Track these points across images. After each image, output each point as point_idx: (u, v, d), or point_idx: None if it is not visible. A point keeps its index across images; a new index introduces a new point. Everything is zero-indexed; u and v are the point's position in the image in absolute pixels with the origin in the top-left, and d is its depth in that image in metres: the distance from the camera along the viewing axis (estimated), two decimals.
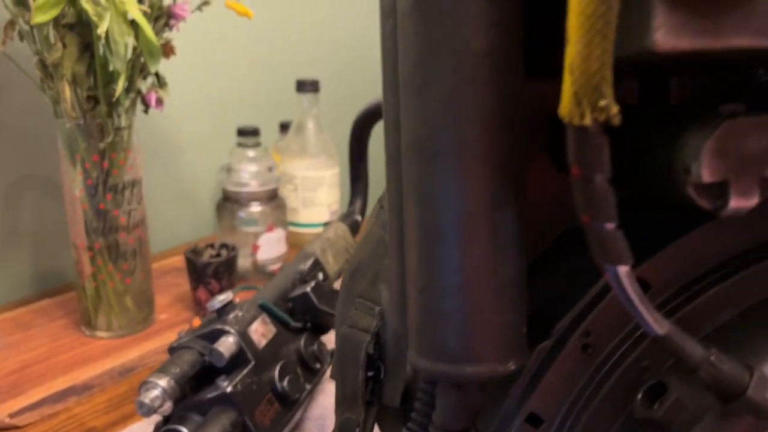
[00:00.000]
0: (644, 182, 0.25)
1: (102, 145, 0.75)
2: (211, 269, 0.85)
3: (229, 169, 0.97)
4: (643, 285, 0.29)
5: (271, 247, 0.96)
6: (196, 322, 0.66)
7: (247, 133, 1.00)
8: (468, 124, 0.25)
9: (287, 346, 0.65)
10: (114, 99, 0.73)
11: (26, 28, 0.71)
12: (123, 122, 0.76)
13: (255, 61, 1.21)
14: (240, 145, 1.00)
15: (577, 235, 0.30)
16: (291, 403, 0.63)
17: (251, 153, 0.99)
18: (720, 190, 0.23)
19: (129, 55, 0.71)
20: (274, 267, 0.97)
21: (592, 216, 0.21)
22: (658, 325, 0.22)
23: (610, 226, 0.21)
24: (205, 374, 0.60)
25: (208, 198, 1.14)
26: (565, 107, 0.19)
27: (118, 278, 0.81)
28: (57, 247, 0.94)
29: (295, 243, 1.08)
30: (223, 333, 0.60)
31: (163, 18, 0.77)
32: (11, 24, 0.70)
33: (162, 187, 1.08)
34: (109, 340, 0.82)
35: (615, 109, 0.19)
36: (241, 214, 0.96)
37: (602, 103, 0.19)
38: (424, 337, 0.27)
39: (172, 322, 0.86)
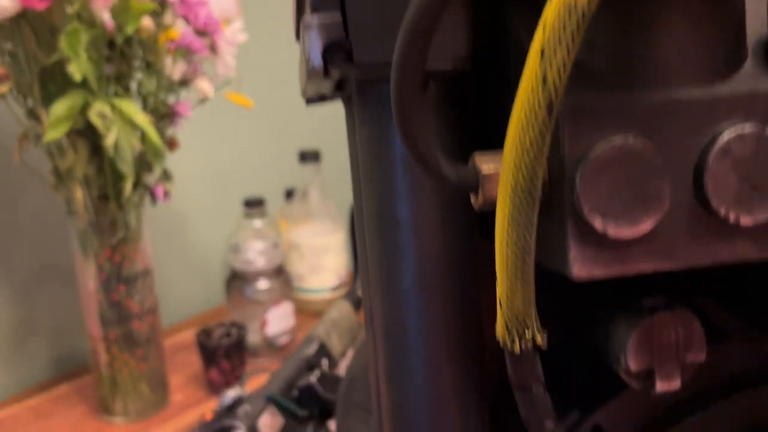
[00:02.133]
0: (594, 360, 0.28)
1: (114, 241, 0.79)
2: (221, 351, 0.88)
3: (236, 248, 1.01)
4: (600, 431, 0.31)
5: (279, 321, 0.99)
6: (208, 416, 0.69)
7: (253, 204, 1.03)
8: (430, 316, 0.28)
9: None
10: (123, 198, 0.77)
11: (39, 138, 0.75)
12: (132, 219, 0.80)
13: (258, 134, 1.26)
14: (246, 216, 1.04)
15: None
16: None
17: (258, 223, 1.03)
18: (646, 374, 0.25)
19: (135, 154, 0.75)
20: (284, 340, 1.00)
21: (531, 420, 0.24)
22: None
23: (550, 424, 0.24)
24: None
25: (218, 269, 1.17)
26: (499, 332, 0.23)
27: (133, 365, 0.84)
28: (74, 334, 0.98)
29: (303, 309, 1.11)
30: (233, 429, 0.63)
31: (167, 117, 0.81)
32: (25, 136, 0.75)
33: (172, 263, 1.12)
34: (127, 425, 0.85)
35: (539, 339, 0.22)
36: (249, 291, 0.99)
37: (528, 334, 0.22)
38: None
39: (186, 403, 0.89)
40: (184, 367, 0.97)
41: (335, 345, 0.79)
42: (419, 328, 0.28)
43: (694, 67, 0.23)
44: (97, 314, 0.82)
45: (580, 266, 0.23)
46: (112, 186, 0.78)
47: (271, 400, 0.68)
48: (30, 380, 0.96)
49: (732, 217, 0.22)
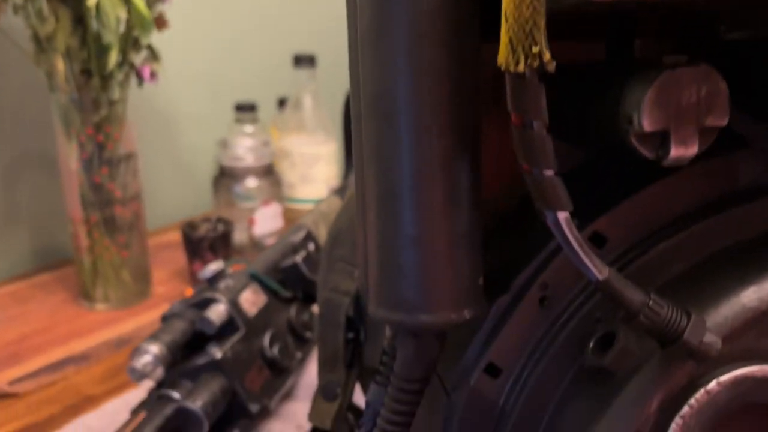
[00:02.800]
0: (594, 134, 0.26)
1: (96, 119, 0.76)
2: (206, 243, 0.86)
3: (225, 144, 0.98)
4: (600, 239, 0.29)
5: (267, 221, 0.97)
6: (189, 291, 0.67)
7: (245, 109, 1.00)
8: (421, 79, 0.25)
9: (278, 315, 0.67)
10: (107, 72, 0.74)
11: (19, 1, 0.72)
12: (116, 95, 0.76)
13: (252, 36, 1.21)
14: (238, 120, 1.01)
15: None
16: (281, 370, 0.64)
17: (249, 129, 1.00)
18: (661, 140, 0.23)
19: (122, 28, 0.72)
20: (271, 241, 0.98)
21: (531, 163, 0.21)
22: (598, 270, 0.23)
23: (549, 172, 0.21)
24: (196, 342, 0.61)
25: (207, 174, 1.15)
26: (502, 54, 0.20)
27: (114, 251, 0.82)
28: (56, 222, 0.95)
29: (292, 218, 1.09)
30: (213, 301, 0.61)
31: None
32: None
33: (160, 164, 1.09)
34: (107, 312, 0.83)
35: (548, 55, 0.19)
36: (238, 188, 0.97)
37: (535, 49, 0.19)
38: (381, 289, 0.28)
39: (169, 295, 0.87)
40: (168, 263, 0.95)
41: (322, 236, 0.77)
42: (411, 162, 0.26)
43: None
44: (78, 196, 0.79)
45: None
46: (95, 60, 0.74)
47: (255, 278, 0.66)
48: (10, 270, 0.94)
49: None
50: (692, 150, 0.23)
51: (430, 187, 0.26)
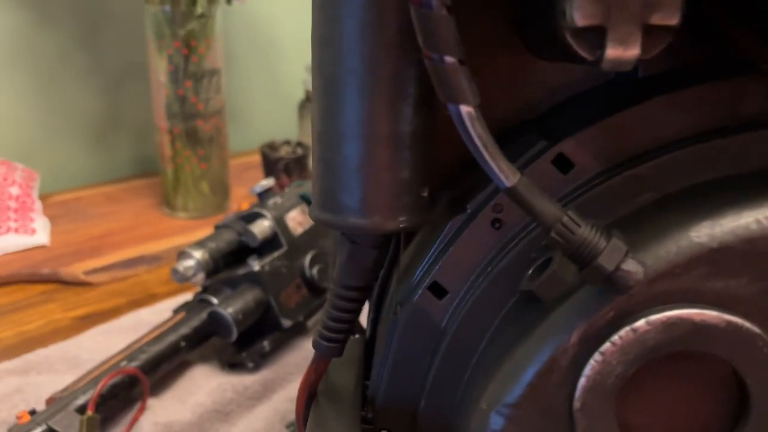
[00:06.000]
0: (544, 37, 0.23)
1: (182, 32, 0.79)
2: (282, 164, 0.88)
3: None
4: (566, 163, 0.27)
5: None
6: (245, 205, 0.69)
7: None
8: None
9: (324, 239, 0.67)
10: None
11: None
12: (200, 10, 0.78)
13: None
14: None
15: (529, 126, 0.29)
16: (320, 291, 0.65)
17: None
18: (598, 38, 0.20)
19: None
20: None
21: (430, 48, 0.19)
22: (504, 175, 0.21)
23: (450, 59, 0.19)
24: (243, 253, 0.63)
25: (295, 99, 1.16)
26: None
27: (194, 162, 0.85)
28: (152, 132, 1.01)
29: None
30: (259, 216, 0.63)
31: None
32: None
33: (250, 87, 1.11)
34: (185, 220, 0.87)
35: None
36: None
37: None
38: (319, 188, 0.27)
39: None
40: (251, 181, 0.98)
41: None
42: (357, 46, 0.24)
43: None
44: (164, 107, 0.83)
45: None
46: None
47: (305, 199, 0.66)
48: (110, 173, 1.01)
49: None
50: (633, 51, 0.20)
51: (373, 75, 0.24)
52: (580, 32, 0.20)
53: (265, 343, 0.60)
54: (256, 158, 1.06)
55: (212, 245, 0.61)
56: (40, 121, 0.94)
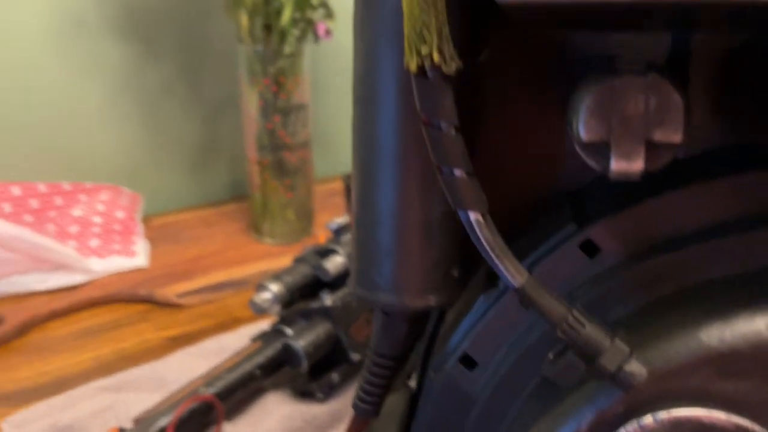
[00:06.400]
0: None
1: (273, 70, 0.83)
2: None
3: None
4: (593, 247, 0.28)
5: None
6: (322, 238, 0.72)
7: None
8: (401, 60, 0.25)
9: None
10: (283, 28, 0.80)
11: None
12: (288, 50, 0.82)
13: None
14: None
15: (564, 200, 0.30)
16: None
17: None
18: (605, 151, 0.21)
19: None
20: None
21: (441, 162, 0.21)
22: (511, 276, 0.22)
23: (459, 172, 0.21)
24: (316, 286, 0.66)
25: None
26: (406, 54, 0.20)
27: (281, 192, 0.90)
28: (245, 159, 1.06)
29: None
30: (333, 252, 0.66)
31: None
32: None
33: (337, 116, 1.15)
34: (272, 246, 0.92)
35: (436, 57, 0.19)
36: None
37: (425, 50, 0.19)
38: (355, 266, 0.29)
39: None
40: (334, 208, 1.02)
41: None
42: (389, 139, 0.26)
43: None
44: (255, 139, 0.88)
45: None
46: (275, 16, 0.81)
47: None
48: (206, 196, 1.07)
49: None
50: (637, 165, 0.21)
51: (405, 166, 0.26)
52: (588, 145, 0.21)
53: (335, 375, 0.63)
54: (340, 185, 1.10)
55: (288, 279, 0.64)
56: (144, 146, 1.02)
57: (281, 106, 0.86)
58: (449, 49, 0.19)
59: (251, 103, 0.87)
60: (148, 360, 0.69)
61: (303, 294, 0.65)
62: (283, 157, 0.88)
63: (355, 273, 0.29)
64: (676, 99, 0.21)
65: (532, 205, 0.32)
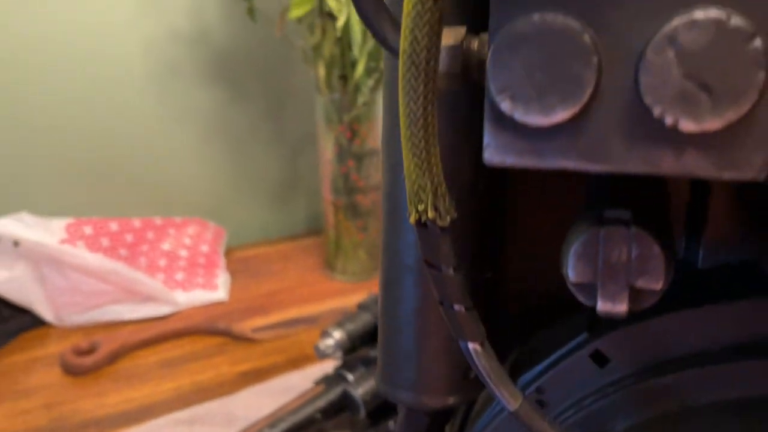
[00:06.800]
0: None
1: (348, 118, 0.87)
2: None
3: None
4: (601, 358, 0.29)
5: None
6: None
7: None
8: None
9: None
10: (357, 80, 0.84)
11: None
12: (362, 99, 0.86)
13: None
14: None
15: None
16: None
17: None
18: (593, 291, 0.23)
19: (370, 43, 0.81)
20: None
21: (443, 298, 0.23)
22: (507, 401, 0.24)
23: (459, 307, 0.23)
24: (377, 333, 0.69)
25: None
26: (408, 205, 0.23)
27: (353, 232, 0.94)
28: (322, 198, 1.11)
29: None
30: None
31: None
32: (284, 13, 0.85)
33: None
34: (343, 283, 0.96)
35: (431, 214, 0.22)
36: None
37: (420, 207, 0.22)
38: (380, 363, 0.32)
39: None
40: None
41: None
42: (414, 247, 0.29)
43: None
44: (330, 182, 0.92)
45: (493, 151, 0.21)
46: (350, 68, 0.85)
47: None
48: (286, 230, 1.12)
49: (669, 119, 0.19)
50: (621, 307, 0.23)
51: (424, 282, 0.29)
52: (577, 284, 0.23)
53: (391, 423, 0.65)
54: None
55: (350, 326, 0.68)
56: (229, 182, 1.08)
57: (355, 151, 0.89)
58: (444, 204, 0.22)
59: (327, 147, 0.91)
60: (221, 394, 0.74)
61: (364, 341, 0.68)
62: (356, 199, 0.92)
63: (380, 370, 0.31)
64: (656, 250, 0.22)
65: (559, 298, 0.34)
